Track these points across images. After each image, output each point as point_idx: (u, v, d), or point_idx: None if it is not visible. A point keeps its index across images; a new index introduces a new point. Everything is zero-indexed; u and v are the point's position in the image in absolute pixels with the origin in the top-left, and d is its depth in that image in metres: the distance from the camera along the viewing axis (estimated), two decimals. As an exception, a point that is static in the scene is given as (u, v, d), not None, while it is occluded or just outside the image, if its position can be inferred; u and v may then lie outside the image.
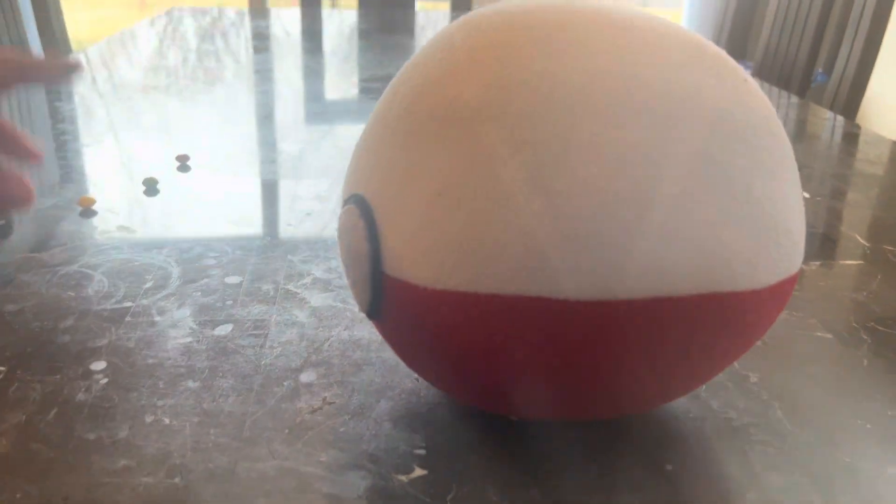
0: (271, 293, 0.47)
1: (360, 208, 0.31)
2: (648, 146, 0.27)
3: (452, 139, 0.29)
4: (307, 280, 0.49)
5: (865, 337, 0.44)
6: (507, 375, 0.30)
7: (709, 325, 0.29)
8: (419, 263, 0.29)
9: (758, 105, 0.31)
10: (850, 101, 1.19)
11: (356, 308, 0.45)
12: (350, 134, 0.82)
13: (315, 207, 0.61)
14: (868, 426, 0.36)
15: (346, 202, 0.33)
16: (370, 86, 1.06)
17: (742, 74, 0.31)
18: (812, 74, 1.33)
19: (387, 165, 0.30)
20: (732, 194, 0.28)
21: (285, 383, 0.38)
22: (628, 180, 0.27)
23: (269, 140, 0.79)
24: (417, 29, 1.59)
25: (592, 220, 0.27)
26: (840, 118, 0.98)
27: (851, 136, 0.90)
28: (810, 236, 0.59)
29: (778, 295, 0.31)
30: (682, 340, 0.29)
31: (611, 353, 0.29)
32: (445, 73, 0.30)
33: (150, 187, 0.63)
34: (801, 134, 0.91)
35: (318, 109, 0.92)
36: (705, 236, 0.28)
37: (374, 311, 0.32)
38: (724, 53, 0.32)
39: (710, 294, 0.28)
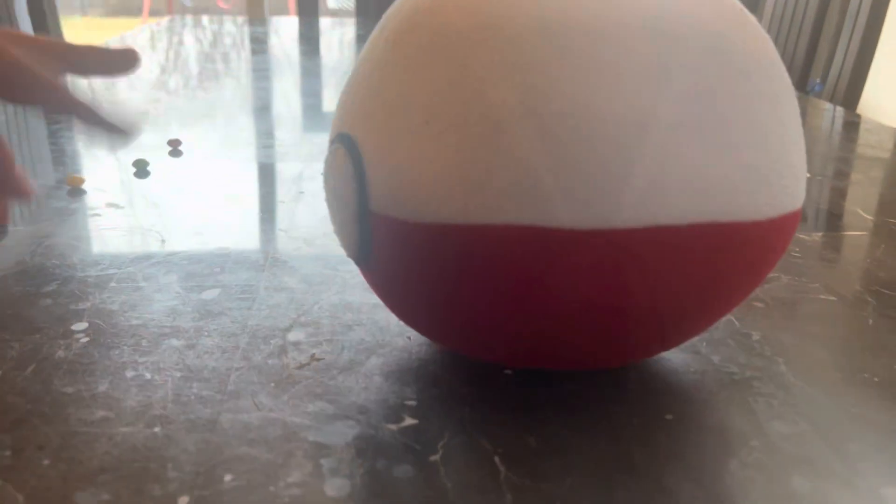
0: (261, 262, 0.46)
1: (347, 147, 0.30)
2: (645, 68, 0.26)
3: (440, 66, 0.28)
4: (299, 250, 0.48)
5: (870, 299, 0.43)
6: (499, 315, 0.29)
7: (710, 257, 0.28)
8: (406, 197, 0.28)
9: (757, 35, 0.30)
10: (847, 100, 1.19)
11: (346, 275, 0.44)
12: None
13: (308, 187, 0.60)
14: (875, 379, 0.35)
15: (332, 143, 0.32)
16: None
17: (741, 6, 0.31)
18: (809, 82, 1.33)
19: (373, 100, 0.29)
20: (733, 121, 0.27)
21: (272, 341, 0.37)
22: (624, 103, 0.26)
23: (263, 129, 0.78)
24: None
25: (587, 144, 0.26)
26: (840, 109, 0.98)
27: (852, 125, 0.89)
28: (814, 211, 0.58)
29: (781, 229, 0.30)
30: (683, 273, 0.28)
31: (608, 286, 0.27)
32: (435, 3, 0.29)
33: (141, 169, 0.62)
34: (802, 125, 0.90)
35: (314, 103, 0.91)
36: (705, 163, 0.27)
37: (362, 255, 0.31)
38: None
39: (711, 223, 0.27)
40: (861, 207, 0.59)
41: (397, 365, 0.35)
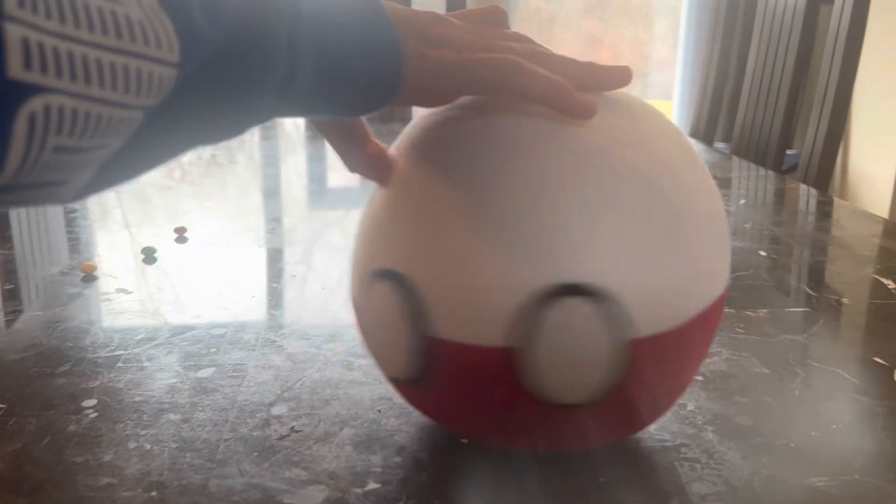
0: (252, 342, 0.51)
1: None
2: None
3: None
4: (287, 330, 0.53)
5: (799, 371, 0.48)
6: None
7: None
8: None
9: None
10: (819, 176, 1.25)
11: (328, 353, 0.49)
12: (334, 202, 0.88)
13: (298, 270, 0.66)
14: (791, 444, 0.40)
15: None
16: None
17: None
18: (784, 157, 1.39)
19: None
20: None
21: (258, 415, 0.42)
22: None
23: (259, 213, 0.84)
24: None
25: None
26: (810, 189, 1.04)
27: (820, 204, 0.95)
28: (761, 288, 0.63)
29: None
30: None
31: None
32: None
33: (149, 255, 0.68)
34: (771, 202, 0.96)
35: (317, 188, 0.98)
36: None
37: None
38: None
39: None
40: (808, 284, 0.64)
41: (367, 435, 0.40)
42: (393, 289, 0.34)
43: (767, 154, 1.39)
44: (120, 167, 0.27)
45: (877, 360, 0.50)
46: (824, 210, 0.92)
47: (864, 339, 0.53)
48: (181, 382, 0.45)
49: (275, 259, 0.68)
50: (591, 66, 0.36)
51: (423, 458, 0.38)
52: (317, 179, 1.03)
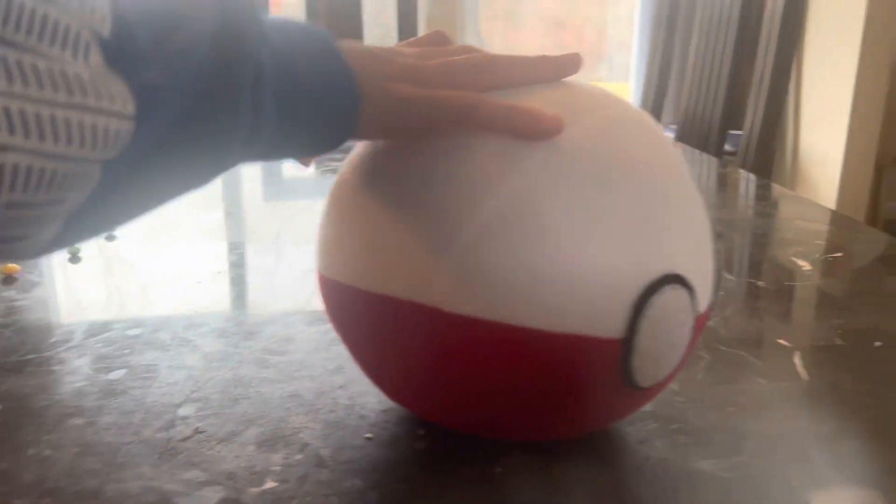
0: (168, 342, 0.51)
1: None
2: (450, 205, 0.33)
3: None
4: (205, 329, 0.53)
5: (705, 355, 0.49)
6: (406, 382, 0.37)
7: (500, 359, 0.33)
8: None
9: (631, 163, 0.35)
10: (757, 158, 1.27)
11: (245, 351, 0.49)
12: (296, 208, 0.87)
13: (226, 267, 0.65)
14: (688, 428, 0.41)
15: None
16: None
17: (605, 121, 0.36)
18: (727, 138, 1.41)
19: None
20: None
21: (164, 417, 0.42)
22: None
23: (189, 211, 0.83)
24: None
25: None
26: (743, 172, 1.06)
27: (749, 187, 0.97)
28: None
29: (571, 348, 0.33)
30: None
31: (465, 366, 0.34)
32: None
33: (74, 255, 0.68)
34: (704, 187, 0.97)
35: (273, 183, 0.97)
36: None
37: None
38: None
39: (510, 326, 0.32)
40: (727, 268, 0.65)
41: (272, 434, 0.40)
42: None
43: (710, 138, 1.41)
44: (88, 221, 0.28)
45: (781, 342, 0.51)
46: (756, 193, 0.94)
47: (773, 321, 0.54)
48: (90, 385, 0.45)
49: (203, 256, 0.68)
50: (542, 60, 0.38)
51: (326, 456, 0.38)
52: (251, 177, 1.02)
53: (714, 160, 1.11)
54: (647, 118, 0.38)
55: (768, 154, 1.28)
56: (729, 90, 1.36)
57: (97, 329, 0.53)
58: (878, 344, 0.51)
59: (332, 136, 0.34)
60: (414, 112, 0.34)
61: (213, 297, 0.58)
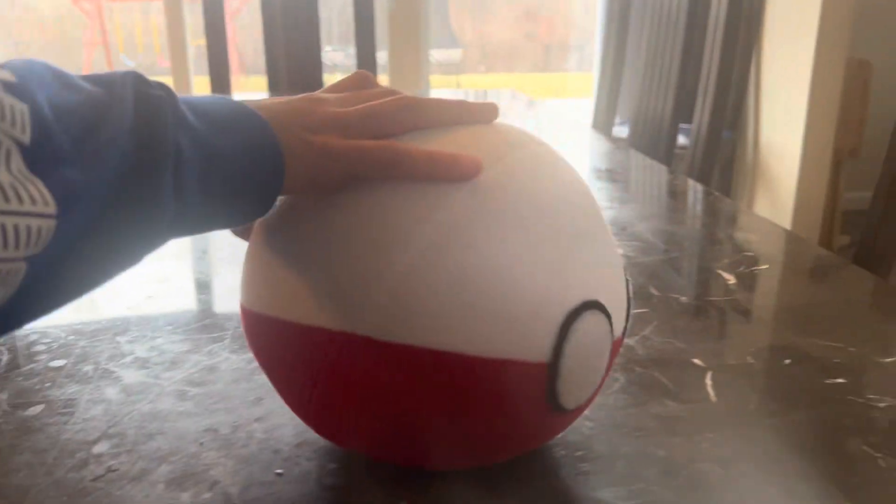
0: (90, 374, 0.51)
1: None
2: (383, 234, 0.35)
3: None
4: (128, 359, 0.53)
5: (620, 377, 0.50)
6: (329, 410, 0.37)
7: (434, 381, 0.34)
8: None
9: (550, 198, 0.37)
10: (706, 155, 1.29)
11: (165, 383, 0.50)
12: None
13: (157, 291, 0.65)
14: (591, 456, 0.42)
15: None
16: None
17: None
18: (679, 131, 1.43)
19: None
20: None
21: (78, 455, 0.42)
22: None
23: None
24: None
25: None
26: (691, 182, 1.07)
27: (685, 197, 0.99)
28: (610, 289, 0.65)
29: (500, 372, 0.34)
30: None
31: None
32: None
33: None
34: (645, 197, 0.99)
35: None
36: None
37: None
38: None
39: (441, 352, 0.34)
40: (654, 283, 0.67)
41: (182, 471, 0.41)
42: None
43: (661, 132, 1.43)
44: (20, 311, 0.29)
45: (695, 361, 0.53)
46: (695, 203, 0.95)
47: (690, 339, 0.56)
48: (5, 423, 0.45)
49: (135, 278, 0.68)
50: (462, 105, 0.40)
51: (233, 494, 0.39)
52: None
53: (662, 168, 1.13)
54: (562, 157, 0.40)
55: (715, 149, 1.30)
56: (679, 84, 1.38)
57: (21, 361, 0.53)
58: (787, 362, 0.53)
59: (260, 200, 0.35)
60: (337, 164, 0.36)
61: (139, 325, 0.59)
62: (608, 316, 0.37)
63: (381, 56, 2.68)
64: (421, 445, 0.37)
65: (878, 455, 0.42)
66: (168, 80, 2.50)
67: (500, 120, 0.41)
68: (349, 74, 0.42)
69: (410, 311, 0.33)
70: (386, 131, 0.37)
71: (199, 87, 1.88)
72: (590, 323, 0.36)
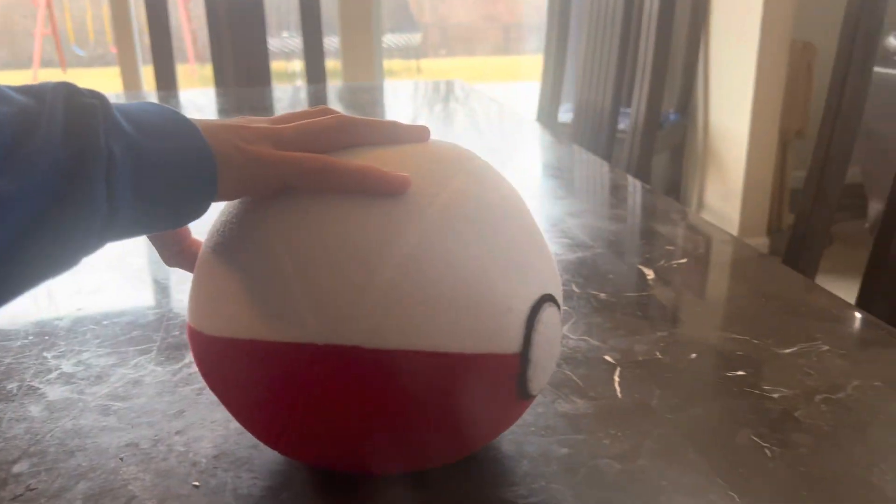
0: (14, 391, 0.52)
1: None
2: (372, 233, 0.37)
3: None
4: (53, 375, 0.54)
5: (532, 377, 0.52)
6: (275, 419, 0.38)
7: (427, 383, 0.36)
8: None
9: (498, 203, 0.40)
10: (644, 138, 1.32)
11: (89, 398, 0.51)
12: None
13: (85, 303, 0.66)
14: (494, 454, 0.44)
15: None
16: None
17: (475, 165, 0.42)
18: (661, 114, 1.45)
19: None
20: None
21: (-3, 476, 0.43)
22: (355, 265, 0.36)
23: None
24: (277, 108, 1.66)
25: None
26: (627, 176, 1.10)
27: (617, 190, 1.01)
28: (535, 287, 0.67)
29: (483, 366, 0.37)
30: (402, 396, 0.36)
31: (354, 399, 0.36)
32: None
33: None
34: (580, 191, 1.01)
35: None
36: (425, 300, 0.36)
37: None
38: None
39: (429, 352, 0.36)
40: (575, 280, 0.69)
41: (100, 488, 0.42)
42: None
43: (603, 117, 1.46)
44: None
45: (607, 358, 0.55)
46: (626, 197, 0.98)
47: (605, 336, 0.58)
48: (-74, 446, 0.46)
49: (61, 292, 0.69)
50: (393, 126, 0.42)
51: (150, 507, 0.40)
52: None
53: (603, 163, 1.16)
54: (493, 167, 0.44)
55: (653, 132, 1.33)
56: (619, 68, 1.40)
57: (-54, 380, 0.53)
58: (693, 356, 0.55)
59: (194, 204, 0.36)
60: (269, 172, 0.37)
61: (67, 339, 0.59)
62: (559, 307, 0.41)
63: (334, 42, 2.67)
64: (406, 447, 0.39)
65: (766, 445, 0.45)
66: (116, 71, 2.45)
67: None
68: (310, 109, 0.44)
69: (397, 315, 0.35)
70: (319, 148, 0.40)
71: (150, 77, 1.85)
72: (549, 314, 0.40)
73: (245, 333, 0.37)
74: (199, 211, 0.37)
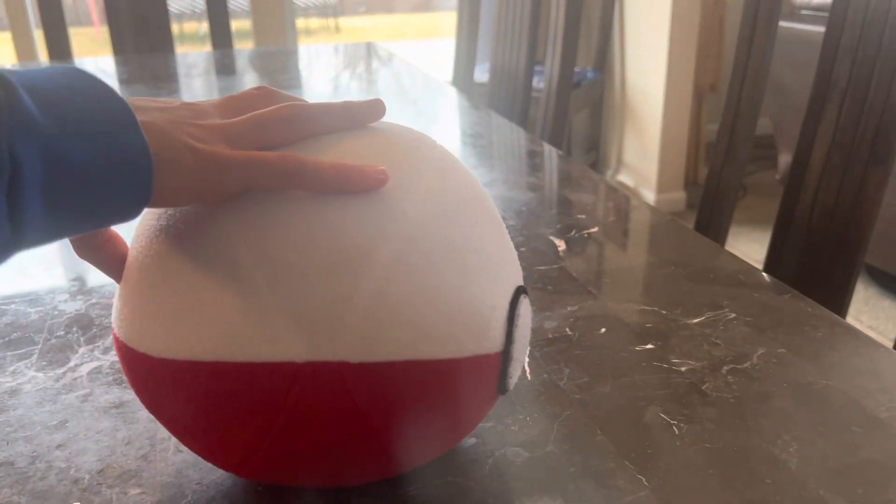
0: None
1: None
2: (356, 243, 0.33)
3: None
4: (-81, 388, 0.49)
5: (441, 363, 0.51)
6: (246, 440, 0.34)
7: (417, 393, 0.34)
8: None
9: (467, 194, 0.38)
10: (559, 97, 1.31)
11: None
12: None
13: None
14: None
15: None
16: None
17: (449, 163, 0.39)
18: (578, 73, 1.44)
19: None
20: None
21: None
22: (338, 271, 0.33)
23: None
24: (181, 75, 1.58)
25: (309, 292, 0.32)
26: (540, 143, 1.08)
27: (533, 156, 1.00)
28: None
29: (470, 369, 0.35)
30: (399, 406, 0.34)
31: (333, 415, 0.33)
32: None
33: None
34: (495, 158, 0.99)
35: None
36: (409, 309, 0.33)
37: None
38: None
39: (417, 361, 0.33)
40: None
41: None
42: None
43: (518, 76, 1.44)
44: None
45: (517, 338, 0.54)
46: (537, 168, 0.97)
47: (515, 314, 0.57)
48: None
49: (-59, 288, 0.63)
50: (347, 107, 0.38)
51: (23, 535, 0.37)
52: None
53: (519, 130, 1.14)
54: (451, 154, 0.41)
55: (567, 90, 1.32)
56: (532, 26, 1.38)
57: None
58: (602, 331, 0.55)
59: (122, 214, 0.31)
60: (231, 176, 0.33)
61: (-58, 343, 0.55)
62: (528, 295, 0.40)
63: (243, 1, 2.55)
64: (387, 458, 0.36)
65: (674, 422, 0.45)
66: (7, 37, 2.29)
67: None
68: (250, 89, 0.39)
69: (383, 327, 0.33)
70: (273, 141, 0.36)
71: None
72: (524, 306, 0.39)
73: (208, 356, 0.32)
74: (130, 217, 0.31)
